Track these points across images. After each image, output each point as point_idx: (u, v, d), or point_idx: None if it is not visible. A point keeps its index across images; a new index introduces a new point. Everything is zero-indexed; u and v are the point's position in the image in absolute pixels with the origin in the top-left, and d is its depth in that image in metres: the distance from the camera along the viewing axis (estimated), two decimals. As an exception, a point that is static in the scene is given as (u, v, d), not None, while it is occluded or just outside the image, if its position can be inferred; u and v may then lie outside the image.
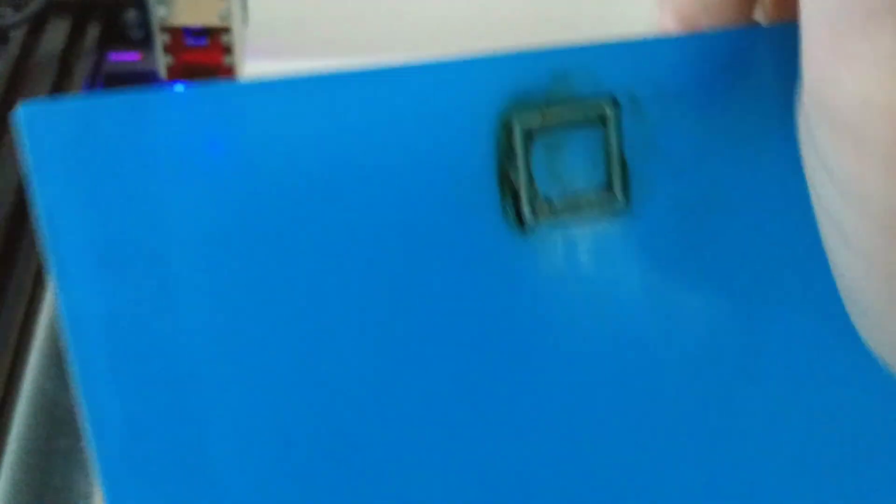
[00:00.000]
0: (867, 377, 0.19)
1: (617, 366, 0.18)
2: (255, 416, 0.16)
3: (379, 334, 0.16)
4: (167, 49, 0.56)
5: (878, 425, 0.20)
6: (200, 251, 0.15)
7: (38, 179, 0.14)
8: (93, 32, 0.59)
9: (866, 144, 0.13)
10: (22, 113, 0.14)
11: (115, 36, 0.59)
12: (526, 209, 0.16)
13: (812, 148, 0.14)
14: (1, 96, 0.52)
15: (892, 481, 0.20)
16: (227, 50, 0.57)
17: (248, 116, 0.15)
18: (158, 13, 0.55)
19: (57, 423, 0.41)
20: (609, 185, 0.17)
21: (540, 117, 0.16)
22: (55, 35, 0.58)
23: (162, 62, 0.56)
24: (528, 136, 0.16)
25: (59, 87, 0.55)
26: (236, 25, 0.57)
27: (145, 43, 0.58)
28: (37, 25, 0.58)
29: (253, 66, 0.60)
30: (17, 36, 0.57)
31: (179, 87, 0.15)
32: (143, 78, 0.59)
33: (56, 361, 0.43)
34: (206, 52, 0.57)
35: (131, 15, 0.58)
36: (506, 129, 0.16)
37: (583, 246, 0.17)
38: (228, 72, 0.57)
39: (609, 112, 0.16)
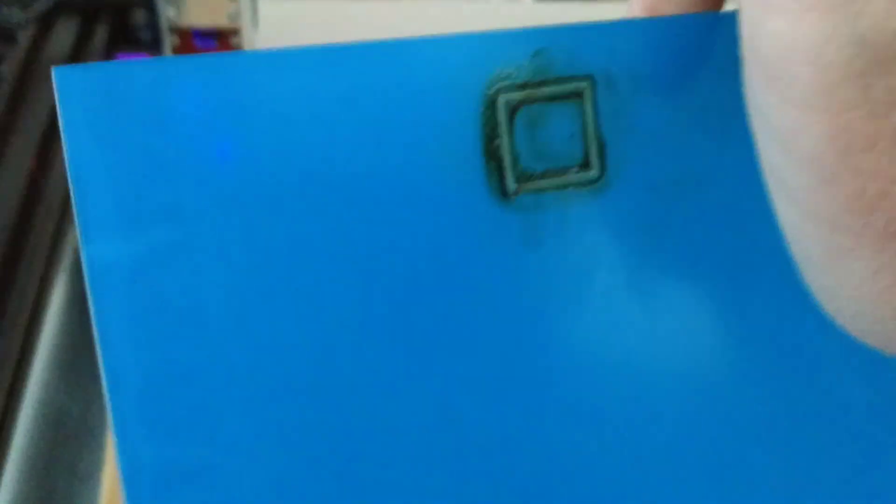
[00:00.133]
0: (843, 351, 0.21)
1: (593, 335, 0.20)
2: (270, 371, 0.18)
3: (364, 296, 0.18)
4: (176, 50, 0.58)
5: (859, 393, 0.21)
6: (216, 209, 0.18)
7: (69, 137, 0.17)
8: (101, 33, 0.60)
9: (792, 88, 0.14)
10: (56, 74, 0.16)
11: (124, 37, 0.61)
12: (509, 179, 0.19)
13: (754, 105, 0.15)
14: (9, 97, 0.53)
15: (875, 465, 0.22)
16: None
17: (247, 84, 0.17)
18: (167, 14, 0.57)
19: (61, 434, 0.42)
20: (586, 159, 0.19)
21: (521, 93, 0.18)
22: (63, 36, 0.59)
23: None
24: (511, 111, 0.18)
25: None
26: (246, 27, 0.59)
27: (154, 44, 0.60)
28: (45, 26, 0.59)
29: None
30: (25, 36, 0.58)
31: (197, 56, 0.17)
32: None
33: (61, 372, 0.44)
34: (214, 54, 0.59)
35: (140, 16, 0.59)
36: (490, 104, 0.18)
37: (563, 215, 0.19)
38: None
39: (586, 89, 0.19)
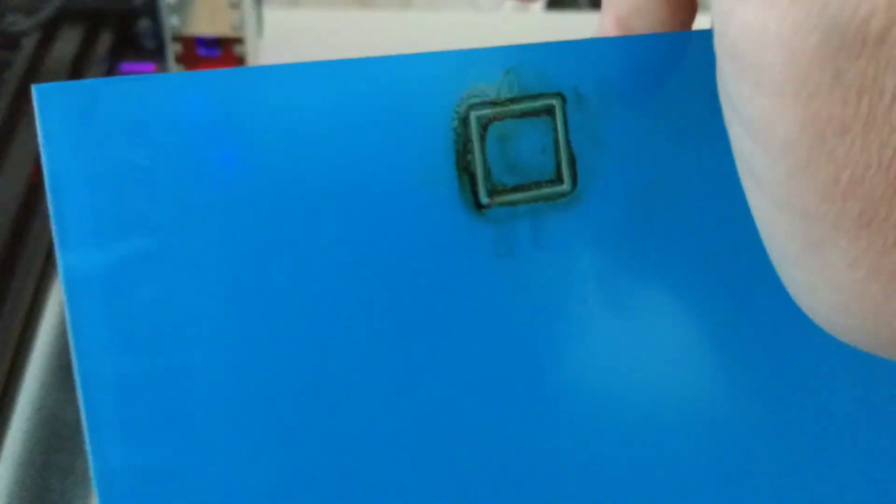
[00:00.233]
0: (821, 353, 0.22)
1: (566, 347, 0.21)
2: (243, 378, 0.19)
3: (339, 306, 0.20)
4: (179, 59, 0.59)
5: (846, 390, 0.22)
6: (190, 220, 0.19)
7: (47, 149, 0.18)
8: (105, 41, 0.61)
9: (763, 75, 0.14)
10: (36, 91, 0.18)
11: (128, 45, 0.61)
12: (482, 192, 0.20)
13: (727, 98, 0.15)
14: (11, 103, 0.54)
15: (872, 459, 0.22)
16: (240, 60, 0.60)
17: (220, 99, 0.19)
18: (171, 22, 0.58)
19: (55, 438, 0.42)
20: (558, 173, 0.20)
21: (493, 110, 0.19)
22: (67, 43, 0.60)
23: (174, 72, 0.59)
24: (483, 127, 0.20)
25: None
26: (250, 36, 0.60)
27: (158, 52, 0.61)
28: (49, 33, 0.60)
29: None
30: (29, 43, 0.59)
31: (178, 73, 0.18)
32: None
33: (56, 375, 0.45)
34: (218, 63, 0.60)
35: (144, 24, 0.60)
36: (462, 120, 0.20)
37: (535, 228, 0.20)
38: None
39: (556, 106, 0.20)
